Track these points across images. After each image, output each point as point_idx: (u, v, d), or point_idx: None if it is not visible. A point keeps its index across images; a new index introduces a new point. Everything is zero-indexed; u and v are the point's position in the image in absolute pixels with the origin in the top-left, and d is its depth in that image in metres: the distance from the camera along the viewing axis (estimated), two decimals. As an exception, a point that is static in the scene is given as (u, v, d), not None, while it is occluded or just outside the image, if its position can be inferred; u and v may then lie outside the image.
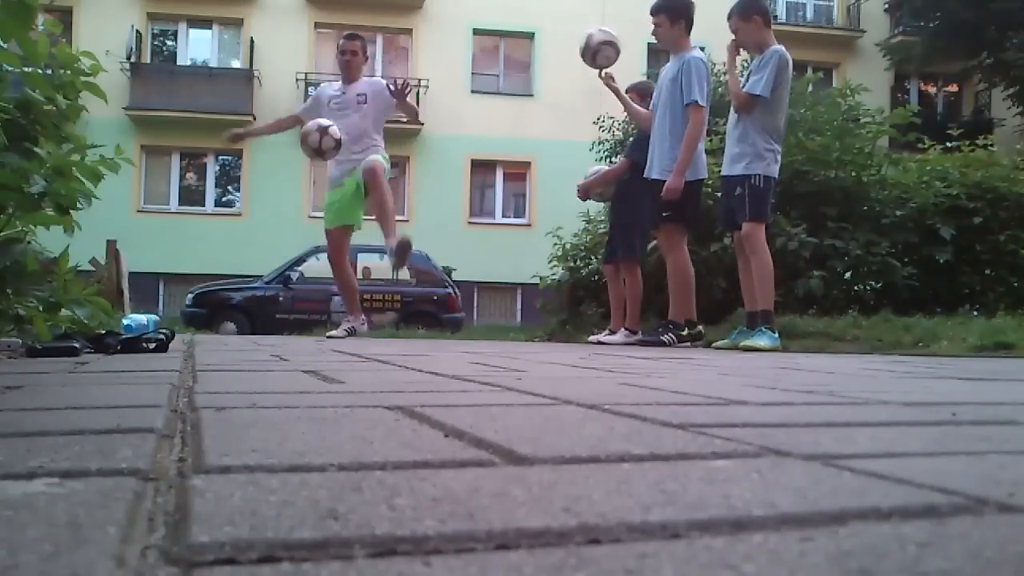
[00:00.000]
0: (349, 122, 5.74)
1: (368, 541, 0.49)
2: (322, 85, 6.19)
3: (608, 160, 13.72)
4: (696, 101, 4.92)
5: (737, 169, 4.67)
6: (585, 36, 5.51)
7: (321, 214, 6.41)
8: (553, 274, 8.43)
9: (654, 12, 5.18)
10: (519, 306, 19.31)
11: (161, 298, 17.70)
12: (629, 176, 5.70)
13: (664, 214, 5.04)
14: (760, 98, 4.58)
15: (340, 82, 6.01)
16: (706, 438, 0.92)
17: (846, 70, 20.64)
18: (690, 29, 5.19)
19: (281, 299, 12.05)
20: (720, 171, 5.12)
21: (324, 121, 5.50)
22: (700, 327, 5.24)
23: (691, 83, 4.93)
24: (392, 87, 5.74)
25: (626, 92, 5.95)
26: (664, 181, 4.97)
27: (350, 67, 5.92)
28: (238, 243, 18.24)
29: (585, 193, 6.08)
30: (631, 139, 5.98)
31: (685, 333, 5.11)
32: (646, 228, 5.79)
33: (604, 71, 5.44)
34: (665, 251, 5.17)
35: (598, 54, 5.44)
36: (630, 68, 19.70)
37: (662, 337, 5.00)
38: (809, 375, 2.15)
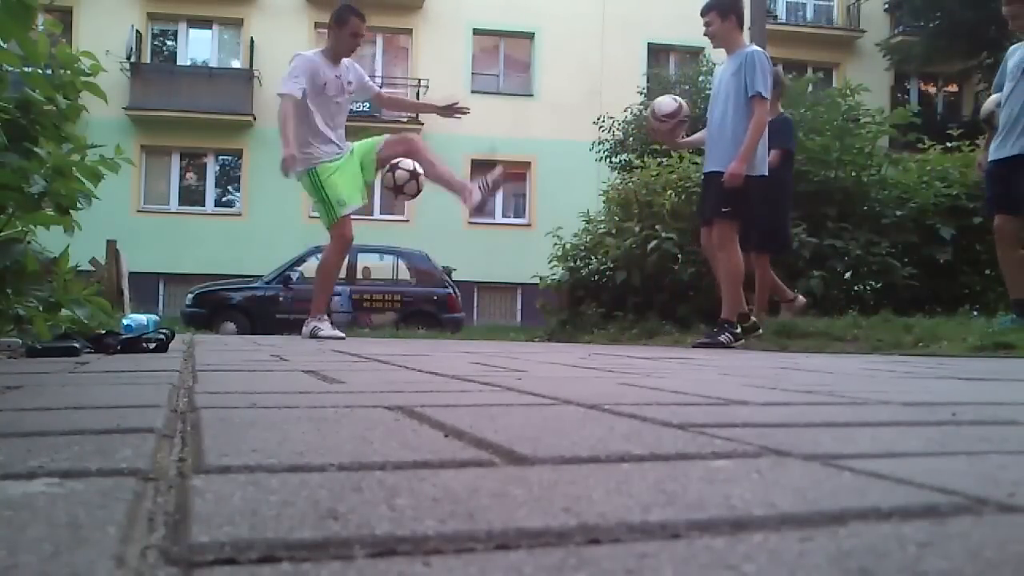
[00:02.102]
0: (341, 112, 5.45)
1: (368, 541, 0.49)
2: (308, 56, 5.43)
3: (608, 160, 13.73)
4: (760, 93, 4.93)
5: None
6: (679, 102, 5.51)
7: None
8: (553, 274, 8.43)
9: (703, 12, 5.21)
10: (519, 306, 19.32)
11: (161, 298, 17.70)
12: (779, 165, 5.70)
13: (724, 209, 5.00)
14: None
15: (322, 56, 5.38)
16: (706, 438, 0.92)
17: (846, 70, 20.65)
18: (742, 24, 5.22)
19: (281, 299, 12.05)
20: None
21: (410, 164, 5.33)
22: (754, 319, 5.23)
23: (755, 75, 4.94)
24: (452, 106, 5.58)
25: None
26: (724, 174, 4.97)
27: (355, 52, 5.50)
28: (238, 243, 18.24)
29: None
30: (768, 130, 5.97)
31: (739, 331, 5.11)
32: (788, 219, 5.96)
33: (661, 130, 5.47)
34: (718, 247, 5.07)
35: (681, 125, 5.43)
36: (630, 68, 19.85)
37: (720, 338, 4.92)
38: (809, 375, 2.15)
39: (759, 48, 5.14)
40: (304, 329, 5.48)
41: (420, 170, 5.38)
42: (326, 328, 5.42)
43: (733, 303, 5.05)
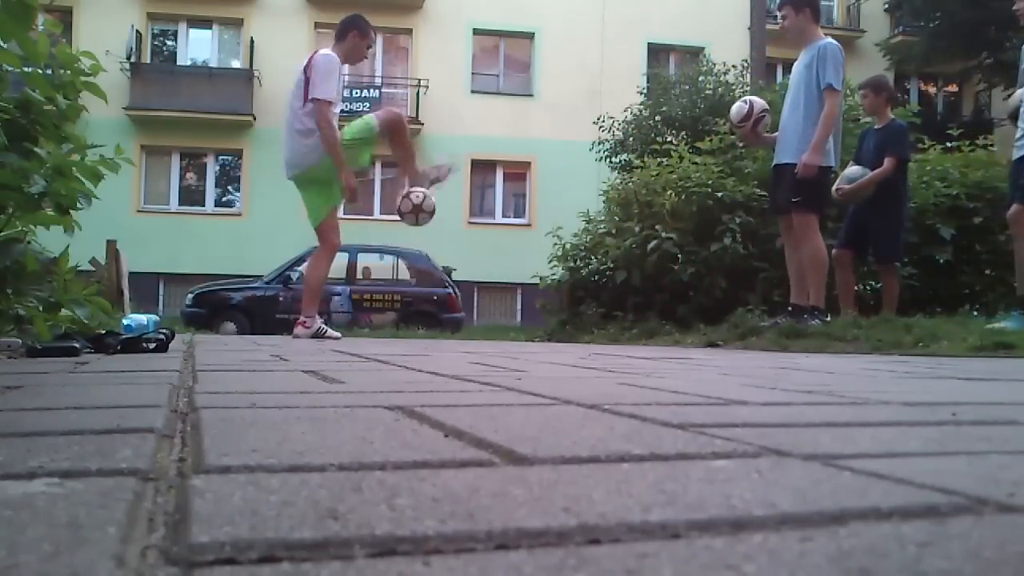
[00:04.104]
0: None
1: (368, 541, 0.49)
2: (335, 56, 5.38)
3: (608, 160, 13.72)
4: (831, 85, 5.01)
5: None
6: (748, 102, 5.59)
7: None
8: (553, 274, 8.43)
9: (779, 8, 5.33)
10: (519, 306, 19.31)
11: (161, 298, 17.69)
12: (892, 174, 5.72)
13: (794, 199, 5.06)
14: None
15: (337, 55, 5.40)
16: (706, 438, 0.92)
17: (846, 70, 20.64)
18: (817, 17, 5.28)
19: (281, 299, 12.04)
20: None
21: (417, 193, 5.51)
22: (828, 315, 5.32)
23: (826, 67, 5.04)
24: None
25: (860, 88, 5.94)
26: (795, 165, 5.04)
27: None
28: (238, 243, 18.24)
29: (852, 198, 5.72)
30: (879, 136, 5.88)
31: (828, 318, 5.16)
32: (904, 226, 5.95)
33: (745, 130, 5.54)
34: (800, 237, 5.15)
35: (760, 121, 5.50)
36: (630, 68, 19.87)
37: (811, 323, 5.02)
38: (809, 375, 2.15)
39: (833, 40, 5.17)
40: (301, 330, 5.46)
41: (431, 194, 5.59)
42: (329, 329, 5.55)
43: (819, 290, 5.18)
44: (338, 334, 5.65)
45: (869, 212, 5.76)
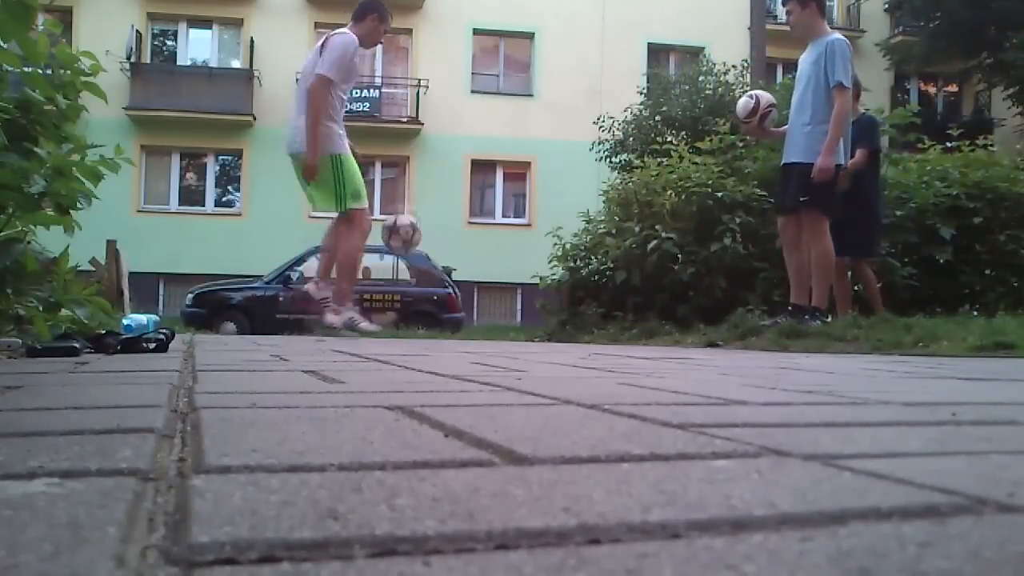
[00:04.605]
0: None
1: (368, 541, 0.49)
2: (353, 39, 5.33)
3: (608, 160, 13.72)
4: (841, 82, 4.96)
5: None
6: (755, 97, 5.60)
7: (323, 215, 6.09)
8: (553, 274, 8.43)
9: (785, 2, 5.31)
10: (519, 306, 19.30)
11: (161, 298, 17.69)
12: (865, 166, 5.69)
13: (802, 199, 5.04)
14: None
15: (357, 39, 5.35)
16: (706, 438, 0.92)
17: (846, 70, 20.63)
18: (823, 12, 5.26)
19: (281, 299, 12.04)
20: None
21: (406, 229, 5.75)
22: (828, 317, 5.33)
23: (835, 64, 4.98)
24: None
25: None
26: (804, 164, 5.01)
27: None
28: (238, 243, 18.23)
29: None
30: (852, 130, 5.89)
31: (829, 318, 5.14)
32: (880, 222, 5.92)
33: (752, 124, 5.54)
34: (809, 238, 5.12)
35: (767, 116, 5.51)
36: (630, 68, 19.86)
37: (811, 324, 5.01)
38: (809, 375, 2.15)
39: (841, 36, 5.13)
40: (334, 318, 5.37)
41: (419, 226, 5.85)
42: (364, 321, 5.49)
43: (823, 292, 5.15)
44: (375, 327, 5.55)
45: (844, 207, 5.80)
